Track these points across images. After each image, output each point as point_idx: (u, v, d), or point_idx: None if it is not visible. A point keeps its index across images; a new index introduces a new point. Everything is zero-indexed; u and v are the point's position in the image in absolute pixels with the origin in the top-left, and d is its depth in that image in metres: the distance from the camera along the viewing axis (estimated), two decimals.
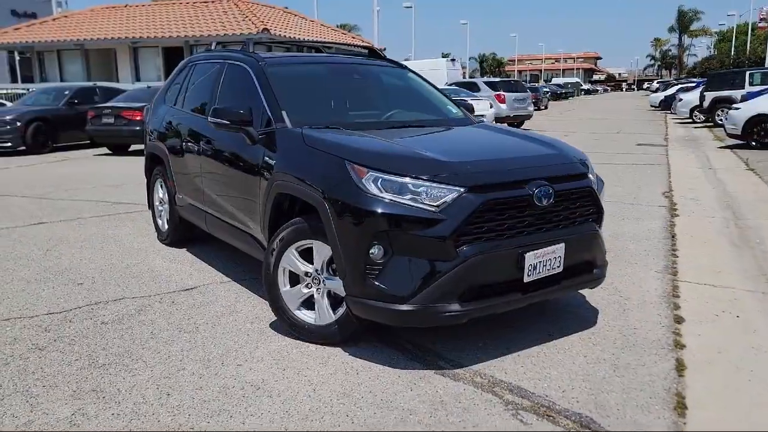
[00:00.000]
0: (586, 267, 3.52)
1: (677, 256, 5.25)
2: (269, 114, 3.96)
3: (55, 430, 2.65)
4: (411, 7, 49.13)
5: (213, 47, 5.39)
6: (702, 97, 21.05)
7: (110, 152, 14.11)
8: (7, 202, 7.88)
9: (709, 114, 21.02)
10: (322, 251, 3.40)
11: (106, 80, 22.18)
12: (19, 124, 13.55)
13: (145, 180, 6.06)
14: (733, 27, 62.54)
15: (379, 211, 3.02)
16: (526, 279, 3.17)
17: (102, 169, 11.25)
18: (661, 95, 34.79)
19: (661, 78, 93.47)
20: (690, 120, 23.51)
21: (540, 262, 3.19)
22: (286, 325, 3.60)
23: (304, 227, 3.44)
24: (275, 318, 3.75)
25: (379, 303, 3.07)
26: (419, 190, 3.04)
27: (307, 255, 3.51)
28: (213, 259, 5.24)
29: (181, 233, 5.56)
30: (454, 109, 4.65)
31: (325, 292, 3.45)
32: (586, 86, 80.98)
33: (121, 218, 6.85)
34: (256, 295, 4.35)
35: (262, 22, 22.01)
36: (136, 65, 23.98)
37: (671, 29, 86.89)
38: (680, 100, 24.06)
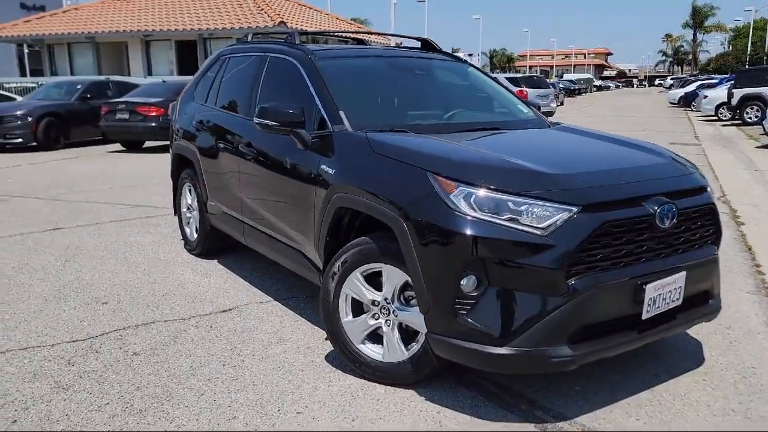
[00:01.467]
0: (702, 298, 3.00)
1: (763, 273, 4.71)
2: (323, 114, 3.45)
3: None
4: (423, 0, 48.46)
5: (249, 38, 4.88)
6: (730, 95, 20.39)
7: (124, 149, 13.65)
8: (20, 205, 7.42)
9: (737, 112, 20.39)
10: (393, 277, 2.90)
11: (117, 74, 21.71)
12: (30, 119, 13.08)
13: (171, 183, 5.57)
14: (749, 23, 61.48)
15: (473, 234, 2.51)
16: (644, 315, 2.65)
17: (116, 168, 10.78)
18: (680, 92, 34.04)
19: (673, 74, 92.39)
20: (715, 117, 22.87)
21: (660, 294, 2.68)
22: (348, 360, 3.09)
23: (371, 248, 2.94)
24: (331, 349, 3.26)
25: (470, 344, 2.56)
26: (521, 209, 2.52)
27: (373, 279, 3.01)
28: (248, 273, 4.74)
29: (212, 243, 5.06)
30: (525, 109, 4.12)
31: (395, 325, 2.94)
32: (597, 82, 79.99)
33: (142, 223, 6.36)
34: (303, 318, 3.86)
35: (278, 14, 21.47)
36: (148, 59, 23.51)
37: (685, 25, 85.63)
38: (705, 97, 23.38)
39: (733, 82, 20.94)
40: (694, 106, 28.33)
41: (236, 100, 4.51)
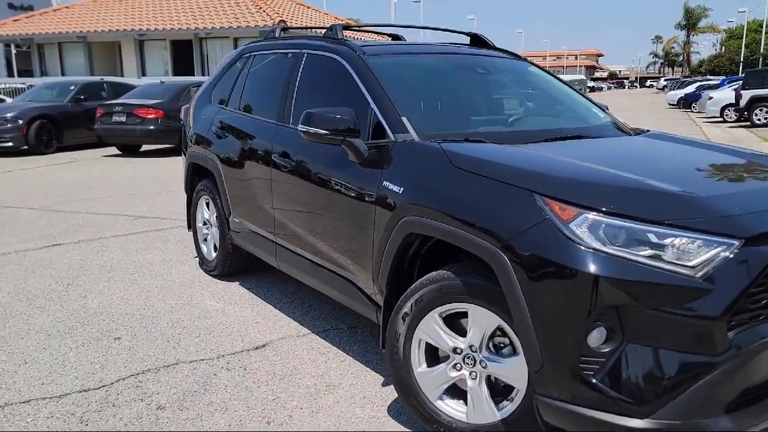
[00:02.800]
0: None
1: None
2: (381, 121, 2.92)
3: None
4: (419, 1, 48.08)
5: (277, 34, 4.33)
6: (738, 96, 20.03)
7: (120, 153, 13.03)
8: (13, 216, 6.81)
9: (745, 113, 20.04)
10: (481, 320, 2.37)
11: (110, 75, 21.05)
12: (21, 122, 12.44)
13: (186, 195, 5.01)
14: (742, 24, 61.49)
15: (603, 273, 1.98)
16: None
17: (114, 174, 10.17)
18: (680, 93, 33.82)
19: (664, 76, 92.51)
20: (720, 119, 22.53)
21: None
22: (422, 419, 2.56)
23: (455, 285, 2.40)
24: (392, 399, 2.74)
25: (596, 413, 2.03)
26: (665, 242, 2.00)
27: (453, 322, 2.48)
28: (277, 299, 4.20)
29: (234, 264, 4.51)
30: (601, 113, 3.60)
31: (483, 378, 2.41)
32: (590, 83, 79.90)
33: (148, 238, 5.79)
34: (350, 356, 3.33)
35: (278, 13, 20.86)
36: (142, 59, 22.83)
37: (678, 26, 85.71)
38: (710, 98, 23.02)
39: (741, 83, 20.57)
40: (694, 107, 28.04)
41: (265, 103, 3.97)
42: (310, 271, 3.44)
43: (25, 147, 12.55)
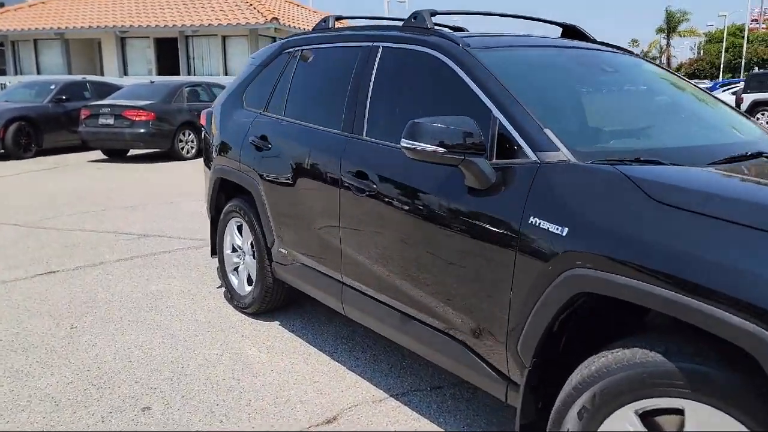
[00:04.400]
0: None
1: None
2: (512, 135, 2.21)
3: None
4: (404, 1, 47.51)
5: (331, 24, 3.59)
6: (740, 100, 19.70)
7: (106, 157, 12.11)
8: None
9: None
10: (708, 424, 1.65)
11: (90, 74, 19.95)
12: None
13: (209, 215, 4.23)
14: (720, 29, 62.02)
15: None
16: None
17: (104, 182, 9.29)
18: None
19: None
20: None
21: None
22: None
23: (666, 372, 1.68)
24: None
25: None
26: None
27: (648, 418, 1.77)
28: (331, 344, 3.46)
29: (275, 300, 3.76)
30: (751, 123, 2.92)
31: None
32: None
33: (158, 262, 4.99)
34: None
35: (269, 10, 19.99)
36: (124, 57, 21.73)
37: (660, 30, 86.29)
38: None
39: (743, 86, 20.28)
40: None
41: (324, 109, 3.23)
42: (397, 324, 2.70)
43: (2, 150, 11.58)
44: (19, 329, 3.64)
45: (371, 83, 2.91)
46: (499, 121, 2.26)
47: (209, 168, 4.19)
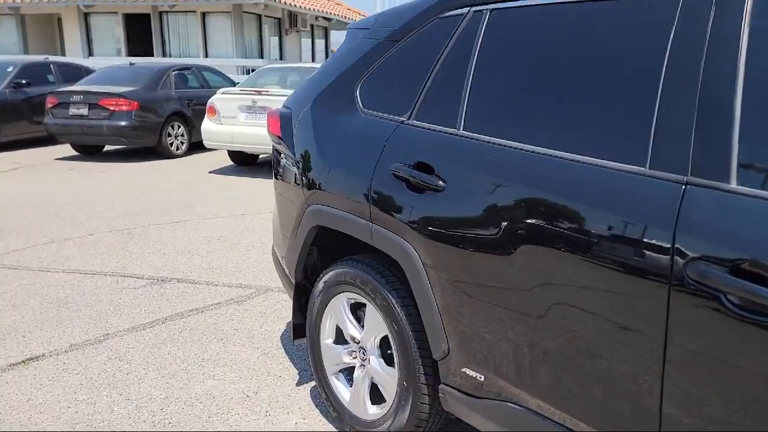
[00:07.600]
0: None
1: None
2: None
3: None
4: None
5: None
6: None
7: (77, 154, 10.26)
8: None
9: None
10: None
11: (49, 54, 17.73)
12: None
13: (294, 280, 2.66)
14: None
15: None
16: None
17: (82, 189, 7.51)
18: None
19: None
20: None
21: None
22: None
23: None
24: None
25: None
26: None
27: None
28: None
29: None
30: None
31: None
32: None
33: (191, 331, 3.40)
34: None
35: None
36: (89, 36, 19.45)
37: None
38: None
39: None
40: None
41: (591, 120, 1.68)
42: None
43: None
44: None
45: (739, 71, 1.39)
46: None
47: (288, 201, 2.62)
